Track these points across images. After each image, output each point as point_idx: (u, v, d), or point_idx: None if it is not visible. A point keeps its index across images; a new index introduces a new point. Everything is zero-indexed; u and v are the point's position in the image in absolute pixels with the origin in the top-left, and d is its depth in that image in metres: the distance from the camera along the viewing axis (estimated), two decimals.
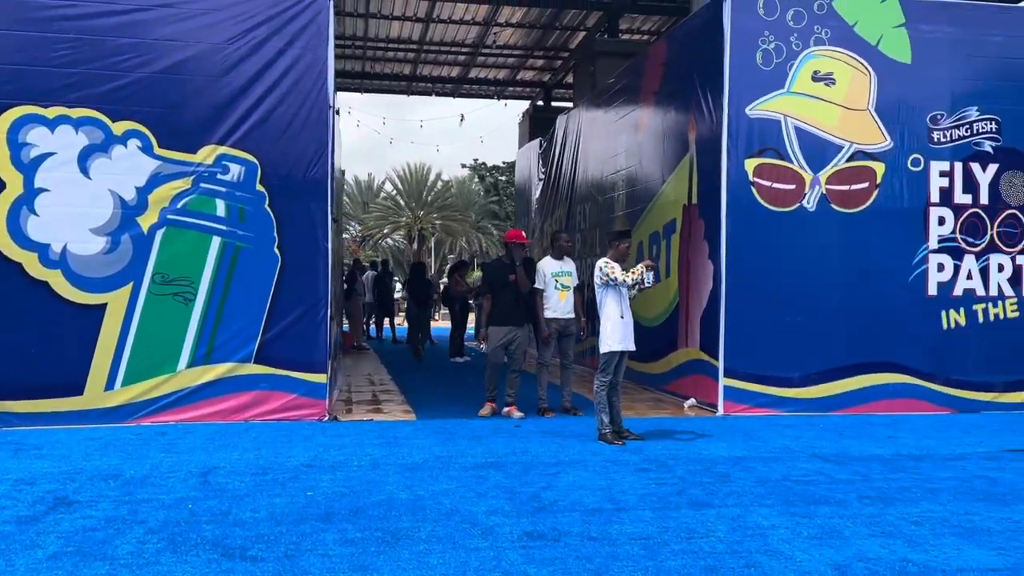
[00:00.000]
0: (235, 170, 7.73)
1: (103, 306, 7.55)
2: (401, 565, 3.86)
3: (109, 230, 7.58)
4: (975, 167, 8.89)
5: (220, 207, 7.72)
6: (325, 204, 7.90)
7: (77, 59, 7.52)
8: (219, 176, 7.70)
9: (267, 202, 7.78)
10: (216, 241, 7.71)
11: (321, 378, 7.87)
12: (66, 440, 6.81)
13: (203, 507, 4.83)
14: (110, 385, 7.56)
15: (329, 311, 7.98)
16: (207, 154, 7.70)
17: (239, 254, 7.73)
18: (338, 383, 9.91)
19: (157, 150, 7.65)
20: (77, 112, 7.53)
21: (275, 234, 7.78)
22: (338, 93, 12.59)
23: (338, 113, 9.41)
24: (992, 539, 4.34)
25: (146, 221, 7.63)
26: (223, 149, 7.72)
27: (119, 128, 7.60)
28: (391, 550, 4.07)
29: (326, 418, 7.84)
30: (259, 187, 7.76)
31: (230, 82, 7.76)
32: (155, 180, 7.65)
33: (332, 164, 7.98)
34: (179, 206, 7.68)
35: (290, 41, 7.85)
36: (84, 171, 7.55)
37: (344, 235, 39.83)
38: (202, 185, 7.69)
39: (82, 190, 7.53)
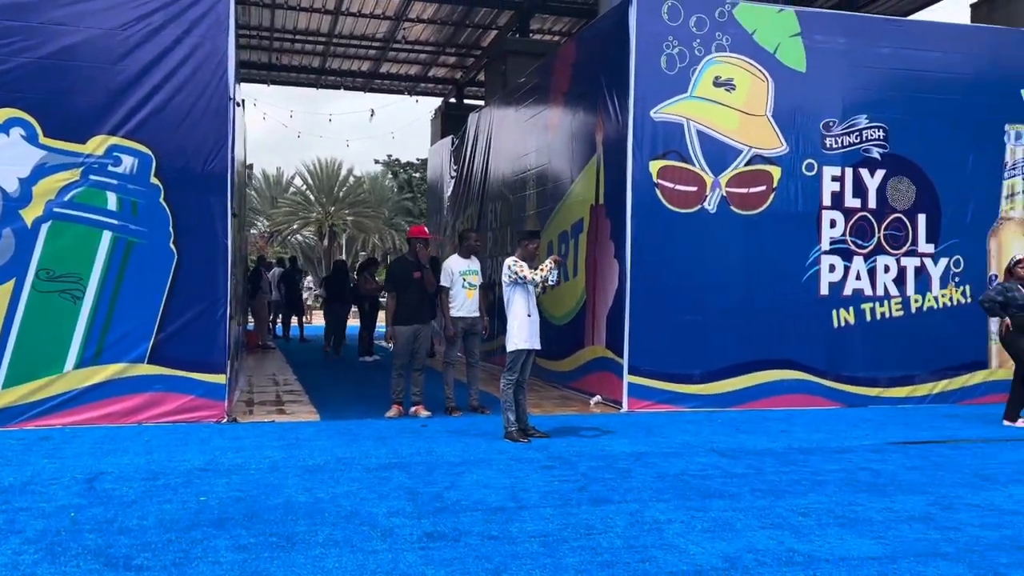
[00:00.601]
0: (128, 162, 7.40)
1: None
2: (295, 570, 3.77)
3: None
4: (864, 172, 9.33)
5: (111, 200, 7.38)
6: (225, 198, 7.65)
7: None
8: (110, 168, 7.36)
9: (162, 196, 7.48)
10: (107, 236, 7.37)
11: (220, 378, 7.62)
12: None
13: (87, 515, 4.61)
14: None
15: (229, 309, 7.73)
16: (97, 144, 7.35)
17: (131, 250, 7.41)
18: (239, 383, 9.63)
19: (43, 139, 7.26)
20: None
21: (171, 229, 7.49)
22: (242, 84, 12.23)
23: (240, 105, 9.13)
24: (873, 528, 4.56)
25: (30, 214, 7.23)
26: (115, 140, 7.38)
27: (0, 116, 7.17)
28: (286, 555, 3.97)
29: (225, 420, 7.60)
30: (154, 180, 7.46)
31: (123, 70, 7.43)
32: (40, 171, 7.25)
33: (232, 157, 7.74)
34: (66, 199, 7.30)
35: (188, 29, 7.56)
36: None
37: (252, 230, 38.72)
38: (91, 177, 7.34)
39: None
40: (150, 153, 7.44)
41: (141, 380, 7.43)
